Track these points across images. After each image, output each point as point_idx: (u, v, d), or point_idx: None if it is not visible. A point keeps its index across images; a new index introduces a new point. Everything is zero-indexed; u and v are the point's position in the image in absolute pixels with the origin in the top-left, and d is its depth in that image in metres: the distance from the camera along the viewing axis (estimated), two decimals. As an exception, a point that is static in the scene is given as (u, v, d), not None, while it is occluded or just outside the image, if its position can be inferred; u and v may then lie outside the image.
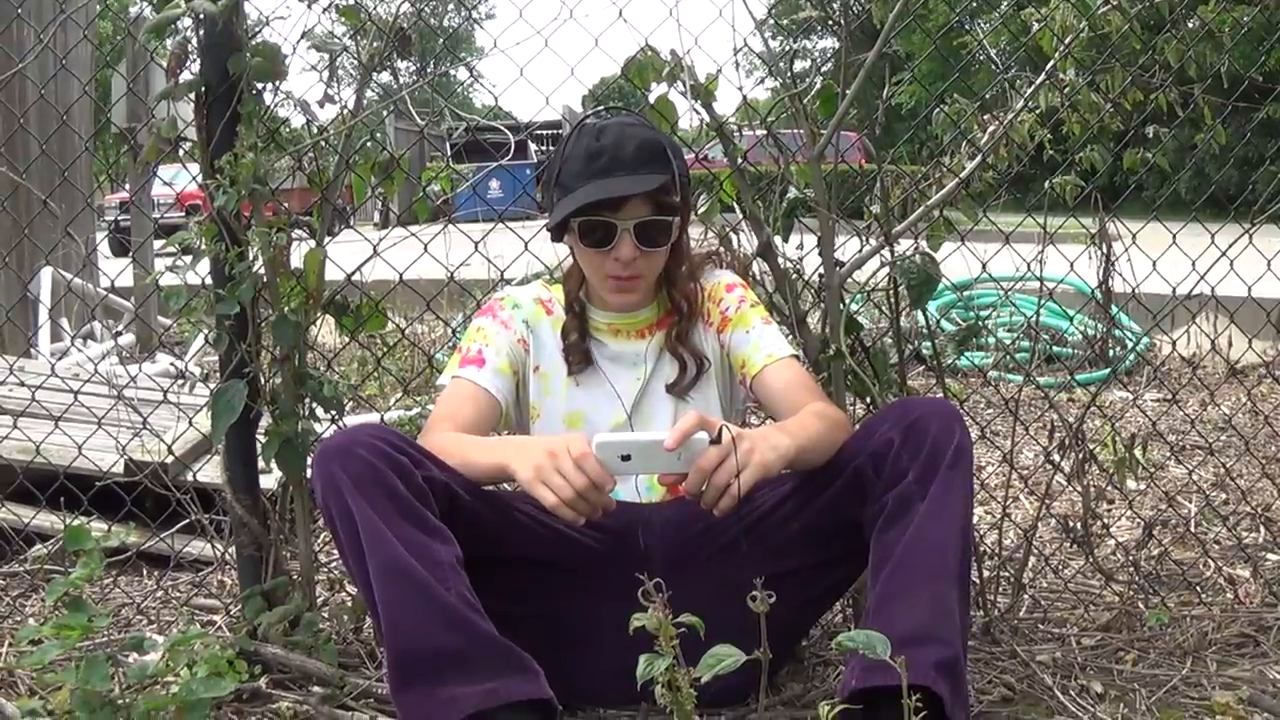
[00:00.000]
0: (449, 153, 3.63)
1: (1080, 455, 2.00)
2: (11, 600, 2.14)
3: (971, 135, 1.94)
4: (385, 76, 1.93)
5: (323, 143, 1.84)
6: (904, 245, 1.90)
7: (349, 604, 1.91)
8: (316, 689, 1.70)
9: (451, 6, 35.37)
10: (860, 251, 1.90)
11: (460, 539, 1.43)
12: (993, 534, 2.16)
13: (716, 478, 1.40)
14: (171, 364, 4.09)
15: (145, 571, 2.33)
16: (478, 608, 1.39)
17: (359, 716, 1.62)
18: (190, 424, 2.29)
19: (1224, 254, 2.16)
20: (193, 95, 1.77)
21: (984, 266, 2.04)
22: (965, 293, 4.11)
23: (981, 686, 1.72)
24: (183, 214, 2.22)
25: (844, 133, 1.90)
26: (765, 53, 1.91)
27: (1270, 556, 2.33)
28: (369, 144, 1.88)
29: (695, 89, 1.80)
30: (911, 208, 1.93)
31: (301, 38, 1.78)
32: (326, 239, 1.83)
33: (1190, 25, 2.09)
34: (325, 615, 1.86)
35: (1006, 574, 2.04)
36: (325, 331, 2.52)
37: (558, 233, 1.70)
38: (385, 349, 3.12)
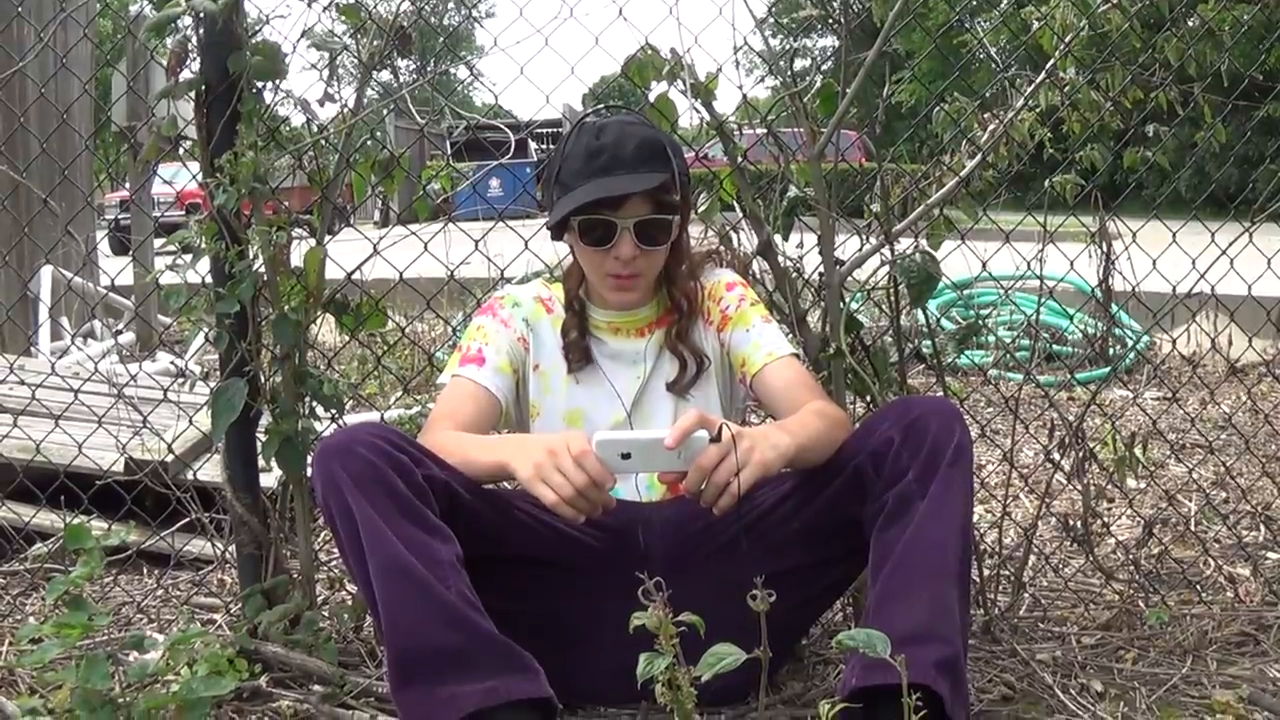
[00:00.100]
0: (449, 151, 3.63)
1: (1080, 454, 2.00)
2: (12, 599, 2.14)
3: (971, 134, 1.94)
4: (385, 75, 1.93)
5: (323, 141, 1.84)
6: (904, 244, 1.89)
7: (349, 603, 1.91)
8: (317, 688, 1.70)
9: (452, 5, 35.37)
10: (860, 250, 1.89)
11: (460, 538, 1.43)
12: (993, 532, 2.16)
13: (716, 476, 1.40)
14: (172, 362, 4.09)
15: (145, 570, 2.33)
16: (478, 606, 1.39)
17: (359, 715, 1.62)
18: (190, 422, 2.29)
19: (1224, 252, 2.16)
20: (193, 94, 1.77)
21: (984, 265, 2.04)
22: (965, 291, 4.11)
23: (981, 685, 1.72)
24: (183, 213, 2.22)
25: (844, 131, 1.90)
26: (765, 51, 1.91)
27: (1270, 555, 2.33)
28: (369, 142, 1.88)
29: (695, 87, 1.80)
30: (911, 206, 1.93)
31: (302, 36, 1.78)
32: (327, 237, 1.83)
33: (1190, 24, 2.09)
34: (325, 614, 1.86)
35: (1006, 573, 2.04)
36: (325, 330, 2.52)
37: (558, 231, 1.70)
38: (385, 348, 3.12)
